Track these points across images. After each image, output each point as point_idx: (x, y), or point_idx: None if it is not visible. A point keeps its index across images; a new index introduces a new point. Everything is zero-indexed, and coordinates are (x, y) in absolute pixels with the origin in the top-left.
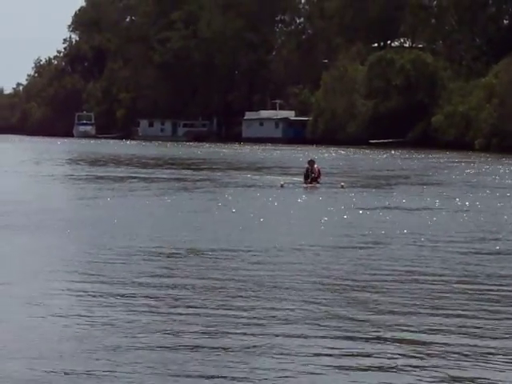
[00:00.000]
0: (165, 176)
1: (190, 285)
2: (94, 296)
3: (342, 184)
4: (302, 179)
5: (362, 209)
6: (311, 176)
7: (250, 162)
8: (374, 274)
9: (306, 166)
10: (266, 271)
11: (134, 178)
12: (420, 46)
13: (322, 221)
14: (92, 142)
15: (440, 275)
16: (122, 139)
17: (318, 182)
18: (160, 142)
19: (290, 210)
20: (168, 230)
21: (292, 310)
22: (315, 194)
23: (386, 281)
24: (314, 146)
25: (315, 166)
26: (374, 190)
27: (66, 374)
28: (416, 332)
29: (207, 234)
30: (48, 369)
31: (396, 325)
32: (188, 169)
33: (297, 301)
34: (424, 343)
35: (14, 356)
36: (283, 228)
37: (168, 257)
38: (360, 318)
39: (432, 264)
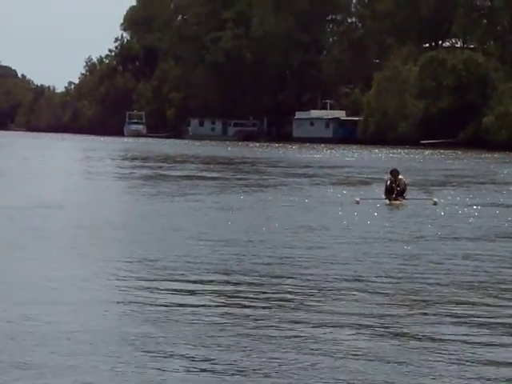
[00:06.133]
0: (239, 176)
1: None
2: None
3: (435, 200)
4: (382, 194)
5: (478, 205)
6: (396, 190)
7: (314, 164)
8: None
9: (388, 176)
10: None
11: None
12: (471, 46)
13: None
14: (144, 140)
15: None
16: (172, 138)
17: (404, 198)
18: (211, 142)
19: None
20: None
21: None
22: (407, 211)
23: None
24: (365, 146)
25: (400, 176)
26: (458, 189)
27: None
28: None
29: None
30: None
31: None
32: (248, 169)
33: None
34: None
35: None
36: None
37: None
38: None
39: None
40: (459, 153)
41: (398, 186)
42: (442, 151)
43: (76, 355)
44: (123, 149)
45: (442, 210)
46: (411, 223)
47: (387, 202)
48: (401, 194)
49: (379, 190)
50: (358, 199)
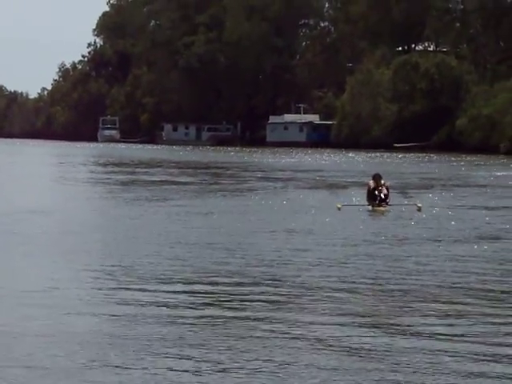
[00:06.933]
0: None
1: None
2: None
3: (420, 206)
4: (364, 199)
5: (458, 207)
6: (379, 196)
7: (290, 167)
8: None
9: (370, 181)
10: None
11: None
12: (444, 49)
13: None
14: (118, 146)
15: None
16: (146, 143)
17: (387, 203)
18: (185, 147)
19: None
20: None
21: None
22: (390, 216)
23: None
24: (339, 149)
25: (382, 181)
26: (435, 191)
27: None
28: None
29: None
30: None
31: None
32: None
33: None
34: None
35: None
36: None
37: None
38: None
39: None
40: (433, 156)
41: (381, 191)
42: (416, 154)
43: (75, 358)
44: (97, 154)
45: (423, 212)
46: (394, 226)
47: (370, 208)
48: (384, 199)
49: (361, 196)
50: (340, 206)
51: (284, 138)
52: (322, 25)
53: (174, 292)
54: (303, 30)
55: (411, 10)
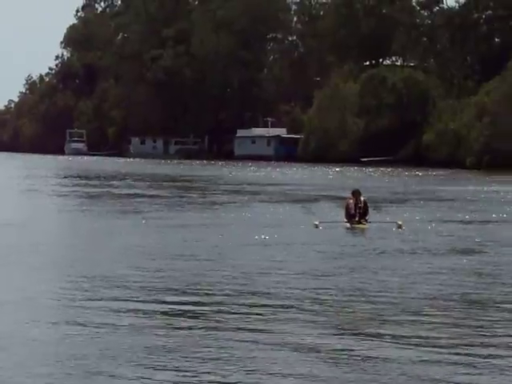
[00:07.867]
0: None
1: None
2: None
3: (400, 223)
4: (342, 216)
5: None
6: (358, 212)
7: (259, 181)
8: None
9: (349, 197)
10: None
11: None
12: (412, 64)
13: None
14: (85, 159)
15: None
16: (113, 157)
17: (366, 221)
18: (152, 160)
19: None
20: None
21: None
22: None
23: None
24: (306, 163)
25: (362, 198)
26: (406, 206)
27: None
28: None
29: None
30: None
31: None
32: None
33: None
34: None
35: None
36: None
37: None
38: None
39: None
40: (400, 170)
41: (361, 208)
42: (382, 169)
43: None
44: (65, 167)
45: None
46: (373, 241)
47: (349, 225)
48: (363, 215)
49: (331, 208)
50: (317, 223)
51: (251, 151)
52: (290, 39)
53: (153, 304)
54: (271, 44)
55: (379, 25)
